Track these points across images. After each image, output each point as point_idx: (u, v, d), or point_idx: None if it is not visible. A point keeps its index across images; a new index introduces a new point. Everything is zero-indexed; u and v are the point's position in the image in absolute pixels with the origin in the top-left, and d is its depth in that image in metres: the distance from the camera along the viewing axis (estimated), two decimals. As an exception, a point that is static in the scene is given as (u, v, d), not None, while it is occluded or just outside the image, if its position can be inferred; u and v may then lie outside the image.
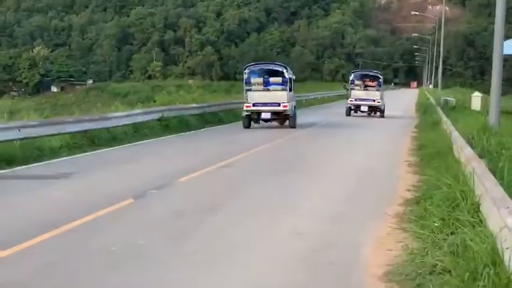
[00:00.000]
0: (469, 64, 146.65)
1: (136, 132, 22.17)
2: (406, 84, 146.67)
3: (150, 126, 23.69)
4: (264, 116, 25.95)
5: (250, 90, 26.01)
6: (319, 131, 26.06)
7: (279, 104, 25.60)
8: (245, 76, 26.44)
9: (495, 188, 7.27)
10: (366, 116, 35.32)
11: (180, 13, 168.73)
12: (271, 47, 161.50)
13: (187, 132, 24.51)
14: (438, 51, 72.02)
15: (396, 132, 25.80)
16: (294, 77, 27.72)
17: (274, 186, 12.00)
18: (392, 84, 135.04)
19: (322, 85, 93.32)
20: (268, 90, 25.97)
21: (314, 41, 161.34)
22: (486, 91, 19.36)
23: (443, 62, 69.90)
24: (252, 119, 26.11)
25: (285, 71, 26.51)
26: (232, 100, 36.37)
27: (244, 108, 25.94)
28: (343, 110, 36.52)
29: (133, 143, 19.98)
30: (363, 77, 36.61)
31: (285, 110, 25.73)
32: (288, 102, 25.67)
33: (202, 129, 26.13)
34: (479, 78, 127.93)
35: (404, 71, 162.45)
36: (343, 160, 16.58)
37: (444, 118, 22.98)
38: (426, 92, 74.91)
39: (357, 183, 12.79)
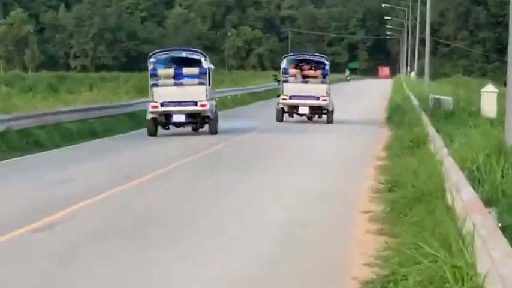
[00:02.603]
0: (478, 35, 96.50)
1: None
2: (372, 72, 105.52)
3: None
4: (176, 118, 21.47)
5: (157, 85, 21.52)
6: (243, 146, 20.03)
7: (195, 103, 21.17)
8: (150, 67, 21.73)
9: (508, 261, 5.10)
10: (306, 121, 26.76)
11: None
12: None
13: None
14: (424, 14, 45.82)
15: (352, 154, 18.09)
16: (212, 67, 23.20)
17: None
18: (347, 72, 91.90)
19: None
20: (181, 84, 21.51)
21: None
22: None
23: (435, 31, 54.50)
24: (159, 123, 21.49)
25: (202, 59, 22.04)
26: (61, 108, 23.33)
27: (150, 110, 21.25)
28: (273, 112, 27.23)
29: None
30: (300, 63, 27.40)
31: (204, 111, 21.33)
32: (207, 101, 21.23)
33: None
34: (496, 60, 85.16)
35: (367, 49, 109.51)
36: (272, 208, 10.95)
37: (432, 132, 16.31)
38: (405, 85, 53.45)
39: (291, 248, 8.49)
